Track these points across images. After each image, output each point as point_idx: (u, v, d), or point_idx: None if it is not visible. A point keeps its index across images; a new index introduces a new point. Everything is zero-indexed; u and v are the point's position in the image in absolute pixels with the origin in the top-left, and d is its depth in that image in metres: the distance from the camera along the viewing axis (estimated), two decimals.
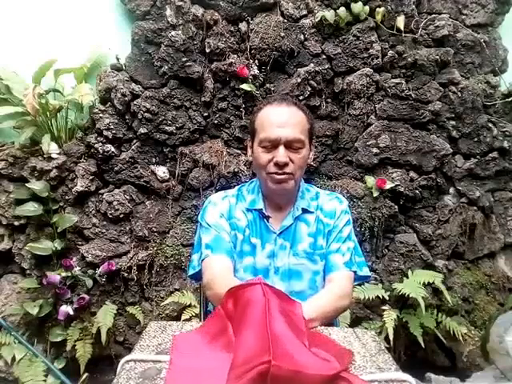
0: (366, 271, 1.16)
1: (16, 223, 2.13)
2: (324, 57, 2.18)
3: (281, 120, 1.07)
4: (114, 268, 2.10)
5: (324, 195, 1.22)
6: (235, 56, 2.13)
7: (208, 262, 1.10)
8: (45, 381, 1.84)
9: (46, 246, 2.08)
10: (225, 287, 0.85)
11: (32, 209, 2.07)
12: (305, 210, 1.16)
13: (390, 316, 1.96)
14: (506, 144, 2.25)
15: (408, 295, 1.94)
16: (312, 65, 2.13)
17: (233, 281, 1.00)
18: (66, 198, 2.16)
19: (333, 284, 1.09)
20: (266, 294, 0.74)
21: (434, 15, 2.19)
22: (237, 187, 1.26)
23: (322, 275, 1.14)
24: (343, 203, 1.20)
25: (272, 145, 1.07)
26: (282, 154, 1.05)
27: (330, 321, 1.05)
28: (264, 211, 1.15)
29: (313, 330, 0.87)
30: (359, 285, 2.05)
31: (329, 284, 1.10)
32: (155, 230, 2.19)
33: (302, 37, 2.15)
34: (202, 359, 0.73)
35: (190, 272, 1.18)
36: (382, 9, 2.10)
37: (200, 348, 0.77)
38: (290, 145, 1.06)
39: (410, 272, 2.13)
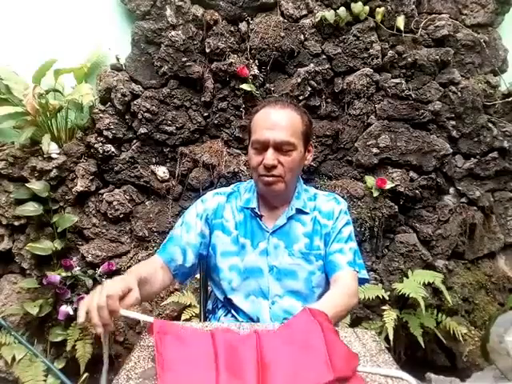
0: (364, 273, 1.15)
1: (16, 223, 2.13)
2: (324, 57, 2.18)
3: (271, 122, 1.07)
4: (114, 268, 2.09)
5: (322, 196, 1.22)
6: (235, 56, 2.13)
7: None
8: (45, 381, 1.84)
9: (45, 246, 2.08)
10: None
11: (32, 209, 2.06)
12: (299, 211, 1.16)
13: (390, 316, 1.96)
14: (506, 144, 2.25)
15: (408, 295, 1.94)
16: (312, 65, 2.13)
17: (140, 268, 1.04)
18: (66, 198, 2.16)
19: (340, 283, 1.07)
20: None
21: (434, 15, 2.19)
22: (234, 185, 1.27)
23: (318, 275, 1.14)
24: (341, 204, 1.20)
25: (262, 147, 1.07)
26: (269, 157, 1.05)
27: (341, 320, 1.05)
28: (257, 210, 1.15)
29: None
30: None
31: (335, 284, 1.09)
32: (155, 230, 2.19)
33: (302, 37, 2.15)
34: (188, 344, 0.74)
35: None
36: (382, 9, 2.10)
37: (183, 334, 0.77)
38: (279, 147, 1.06)
39: (409, 272, 2.13)
